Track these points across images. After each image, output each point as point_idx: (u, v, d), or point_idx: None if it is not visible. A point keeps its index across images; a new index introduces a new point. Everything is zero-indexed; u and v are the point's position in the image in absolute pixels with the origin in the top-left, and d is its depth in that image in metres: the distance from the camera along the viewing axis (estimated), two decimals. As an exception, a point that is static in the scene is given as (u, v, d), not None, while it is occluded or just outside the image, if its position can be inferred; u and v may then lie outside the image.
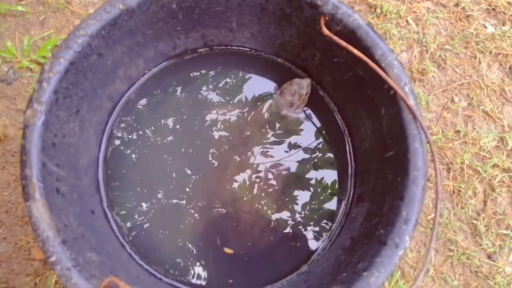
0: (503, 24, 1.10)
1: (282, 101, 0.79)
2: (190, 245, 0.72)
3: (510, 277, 0.91)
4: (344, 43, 0.62)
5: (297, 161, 0.77)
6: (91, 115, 0.69)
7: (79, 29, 0.59)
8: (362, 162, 0.74)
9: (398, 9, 1.06)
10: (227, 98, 0.80)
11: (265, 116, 0.80)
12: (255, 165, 0.77)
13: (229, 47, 0.82)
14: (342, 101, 0.77)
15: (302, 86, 0.78)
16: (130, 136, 0.76)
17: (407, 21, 1.08)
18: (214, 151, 0.77)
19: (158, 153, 0.76)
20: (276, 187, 0.76)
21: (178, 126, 0.78)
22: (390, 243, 0.54)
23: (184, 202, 0.74)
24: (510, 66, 1.06)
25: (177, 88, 0.80)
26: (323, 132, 0.79)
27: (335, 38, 0.63)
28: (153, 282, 0.67)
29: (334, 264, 0.65)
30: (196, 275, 0.71)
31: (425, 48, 1.06)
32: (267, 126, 0.79)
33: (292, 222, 0.74)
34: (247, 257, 0.72)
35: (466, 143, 0.99)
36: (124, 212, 0.72)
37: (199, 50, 0.81)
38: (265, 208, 0.75)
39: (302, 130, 0.79)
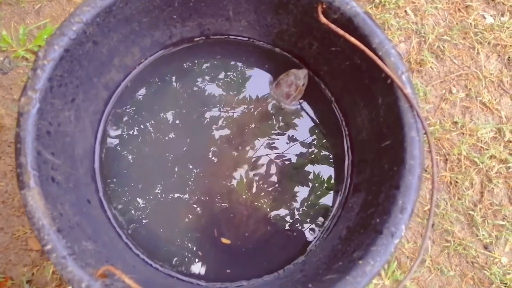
0: (502, 15, 1.09)
1: (278, 92, 0.79)
2: (187, 236, 0.72)
3: (506, 268, 0.92)
4: (341, 32, 0.61)
5: (295, 154, 0.77)
6: (87, 104, 0.68)
7: (73, 16, 0.58)
8: (358, 152, 0.74)
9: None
10: (224, 88, 0.80)
11: (263, 108, 0.80)
12: (251, 157, 0.76)
13: (226, 36, 0.81)
14: (340, 91, 0.77)
15: (298, 77, 0.77)
16: (126, 126, 0.76)
17: (405, 11, 1.07)
18: (211, 142, 0.77)
19: (154, 143, 0.76)
20: (273, 180, 0.76)
21: (174, 116, 0.77)
22: (385, 232, 0.54)
23: (181, 192, 0.74)
24: (509, 57, 1.05)
25: (173, 77, 0.79)
26: (320, 122, 0.79)
27: (332, 26, 0.62)
28: (149, 271, 0.68)
29: (330, 253, 0.65)
30: (193, 265, 0.71)
31: (423, 39, 1.05)
32: (264, 117, 0.79)
33: (289, 214, 0.74)
34: (244, 248, 0.72)
35: (463, 134, 0.99)
36: (120, 202, 0.72)
37: (195, 39, 0.80)
38: (261, 200, 0.74)
39: (298, 121, 0.79)
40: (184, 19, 0.74)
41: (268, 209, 0.74)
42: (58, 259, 0.50)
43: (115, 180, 0.73)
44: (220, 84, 0.80)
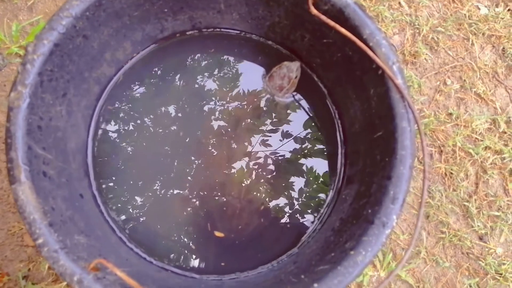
0: (497, 6, 1.09)
1: (271, 85, 0.79)
2: (180, 229, 0.72)
3: (501, 258, 0.92)
4: (332, 23, 0.61)
5: (289, 149, 0.77)
6: (78, 98, 0.68)
7: (63, 10, 0.58)
8: (351, 144, 0.74)
9: (390, -9, 1.06)
10: (217, 82, 0.79)
11: (256, 101, 0.80)
12: (245, 151, 0.76)
13: (218, 29, 0.81)
14: (332, 83, 0.77)
15: (291, 69, 0.77)
16: (119, 121, 0.76)
17: (399, 3, 1.07)
18: (204, 135, 0.77)
19: (147, 137, 0.76)
20: (266, 173, 0.76)
21: (167, 111, 0.77)
22: (377, 222, 0.54)
23: (173, 186, 0.74)
24: (503, 48, 1.05)
25: (166, 72, 0.79)
26: (313, 115, 0.79)
27: (323, 17, 0.62)
28: (143, 265, 0.68)
29: (323, 245, 0.65)
30: (187, 258, 0.71)
31: (417, 31, 1.05)
32: (257, 111, 0.79)
33: (283, 206, 0.74)
34: (238, 241, 0.73)
35: (458, 125, 0.99)
36: (113, 197, 0.72)
37: (187, 33, 0.80)
38: (255, 193, 0.75)
39: (291, 114, 0.79)
40: (175, 12, 0.74)
41: (262, 202, 0.74)
42: (50, 253, 0.50)
43: (108, 174, 0.73)
44: (213, 77, 0.80)
